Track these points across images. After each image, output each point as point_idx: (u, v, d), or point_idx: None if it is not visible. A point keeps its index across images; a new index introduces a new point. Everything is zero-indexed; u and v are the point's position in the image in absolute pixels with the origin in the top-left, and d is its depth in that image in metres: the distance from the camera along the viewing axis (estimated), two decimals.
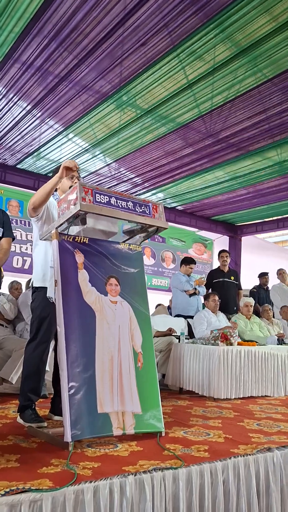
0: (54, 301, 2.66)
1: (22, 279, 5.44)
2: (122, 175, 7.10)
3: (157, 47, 4.05)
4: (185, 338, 4.86)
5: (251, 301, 5.93)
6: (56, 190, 3.06)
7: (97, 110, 5.11)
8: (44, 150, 6.20)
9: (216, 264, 8.01)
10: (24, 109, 5.12)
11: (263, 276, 7.40)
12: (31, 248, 5.11)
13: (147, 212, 2.69)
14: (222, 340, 4.40)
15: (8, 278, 5.29)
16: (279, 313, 6.80)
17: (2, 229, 3.33)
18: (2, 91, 4.78)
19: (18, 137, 5.78)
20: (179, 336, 4.86)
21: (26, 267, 6.82)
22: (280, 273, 7.30)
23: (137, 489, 1.77)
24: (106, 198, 2.51)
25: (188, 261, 6.00)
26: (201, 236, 9.70)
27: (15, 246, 6.72)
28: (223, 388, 4.12)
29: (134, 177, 7.14)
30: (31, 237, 5.13)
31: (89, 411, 2.29)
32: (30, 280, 4.02)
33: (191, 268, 5.92)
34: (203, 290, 5.87)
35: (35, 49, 4.06)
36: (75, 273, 2.51)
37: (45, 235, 2.71)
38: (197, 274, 7.51)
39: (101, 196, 2.49)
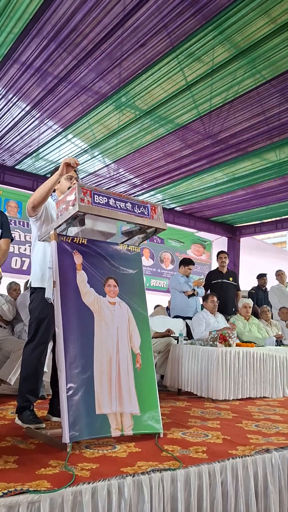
0: (52, 302, 2.66)
1: (21, 280, 5.44)
2: (121, 176, 7.10)
3: (156, 48, 4.05)
4: (184, 339, 4.86)
5: (250, 302, 5.93)
6: (54, 191, 3.06)
7: (96, 111, 5.12)
8: (43, 151, 6.20)
9: (214, 265, 8.01)
10: (23, 109, 5.12)
11: (261, 277, 7.41)
12: (30, 249, 5.11)
13: (146, 213, 2.69)
14: (221, 341, 4.40)
15: (6, 279, 5.29)
16: (277, 314, 6.81)
17: (0, 230, 3.32)
18: (1, 92, 4.77)
19: (17, 137, 5.78)
20: (178, 337, 4.86)
21: (24, 268, 6.81)
22: (279, 274, 7.31)
23: (135, 490, 1.77)
24: (105, 199, 2.51)
25: (186, 262, 6.00)
26: (200, 237, 9.70)
27: (13, 247, 6.71)
28: (222, 389, 4.12)
29: (133, 178, 7.15)
30: (30, 238, 5.13)
31: (87, 412, 2.29)
32: (28, 281, 4.01)
33: (190, 269, 5.92)
34: (201, 291, 5.87)
35: (34, 49, 4.06)
36: (74, 274, 2.51)
37: (44, 236, 2.71)
38: (196, 275, 7.52)
39: (100, 197, 2.49)
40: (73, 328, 2.40)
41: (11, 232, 3.38)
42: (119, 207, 2.57)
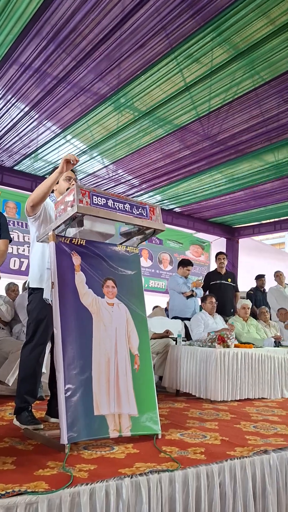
0: (50, 302, 2.66)
1: (19, 281, 5.43)
2: (119, 177, 7.10)
3: (155, 49, 4.06)
4: (182, 340, 4.86)
5: (248, 303, 5.94)
6: (53, 192, 3.06)
7: (95, 112, 5.12)
8: (41, 152, 6.20)
9: (213, 266, 8.01)
10: (22, 110, 5.12)
11: (260, 278, 7.42)
12: (29, 249, 5.11)
13: (144, 214, 2.70)
14: (219, 342, 4.40)
15: (5, 280, 5.28)
16: (275, 315, 6.81)
17: None
18: (0, 92, 4.77)
19: (16, 138, 5.78)
20: (176, 338, 4.86)
21: (23, 268, 6.80)
22: (277, 275, 7.32)
23: (133, 491, 1.77)
24: (103, 200, 2.51)
25: (185, 263, 6.00)
26: (199, 238, 9.70)
27: (12, 248, 6.70)
28: (220, 390, 4.12)
29: (132, 179, 7.15)
30: (29, 239, 5.13)
31: (86, 413, 2.28)
32: (26, 281, 4.01)
33: (188, 270, 5.93)
34: (200, 292, 5.88)
35: (33, 50, 4.06)
36: (72, 275, 2.51)
37: (42, 237, 2.71)
38: (194, 276, 7.52)
39: (98, 198, 2.50)
40: (71, 329, 2.39)
41: (10, 232, 3.38)
42: (117, 208, 2.57)
